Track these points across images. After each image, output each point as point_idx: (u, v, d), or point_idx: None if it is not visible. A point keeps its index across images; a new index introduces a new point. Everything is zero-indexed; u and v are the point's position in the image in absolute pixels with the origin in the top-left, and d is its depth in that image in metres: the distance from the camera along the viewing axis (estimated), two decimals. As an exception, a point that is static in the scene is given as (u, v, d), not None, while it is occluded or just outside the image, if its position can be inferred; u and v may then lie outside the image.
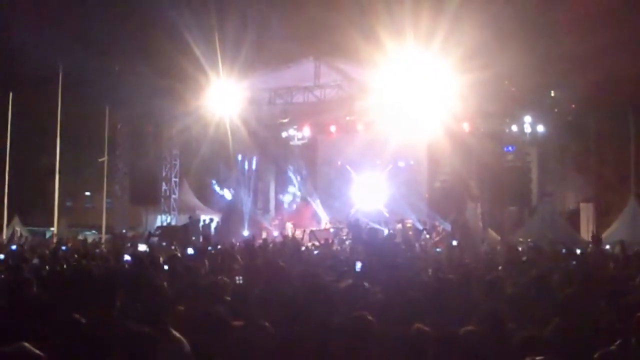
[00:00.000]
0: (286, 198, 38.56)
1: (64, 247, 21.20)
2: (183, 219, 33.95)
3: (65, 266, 12.48)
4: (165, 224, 33.82)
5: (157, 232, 30.58)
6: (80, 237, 30.80)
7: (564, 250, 17.93)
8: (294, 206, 38.00)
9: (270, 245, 22.52)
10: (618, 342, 5.55)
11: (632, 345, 5.13)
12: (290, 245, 22.57)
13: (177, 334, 6.00)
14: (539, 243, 22.12)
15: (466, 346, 5.39)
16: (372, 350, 5.21)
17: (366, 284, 8.14)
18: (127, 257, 12.68)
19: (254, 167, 37.33)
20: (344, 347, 5.21)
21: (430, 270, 12.14)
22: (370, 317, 5.41)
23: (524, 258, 15.87)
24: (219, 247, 20.19)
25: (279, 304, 6.83)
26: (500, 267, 13.17)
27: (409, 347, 5.34)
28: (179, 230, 30.38)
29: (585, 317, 6.62)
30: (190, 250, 16.07)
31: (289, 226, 33.33)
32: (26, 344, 4.08)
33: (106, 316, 6.19)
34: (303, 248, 22.15)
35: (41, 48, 28.70)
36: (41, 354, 4.09)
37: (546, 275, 9.72)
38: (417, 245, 25.05)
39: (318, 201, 35.13)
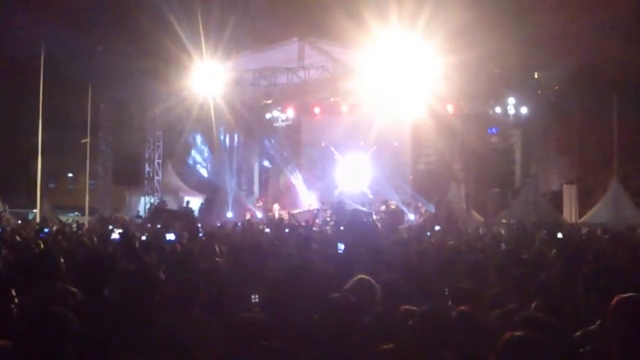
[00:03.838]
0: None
1: (46, 230, 21.01)
2: (168, 201, 33.84)
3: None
4: (149, 205, 33.71)
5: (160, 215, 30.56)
6: (64, 219, 30.64)
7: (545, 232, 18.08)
8: (270, 181, 38.21)
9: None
10: (598, 322, 5.59)
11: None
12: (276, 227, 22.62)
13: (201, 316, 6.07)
14: (522, 224, 22.27)
15: (453, 327, 5.40)
16: (355, 331, 5.21)
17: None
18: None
19: (234, 144, 37.16)
20: (328, 328, 5.20)
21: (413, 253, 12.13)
22: (352, 297, 5.40)
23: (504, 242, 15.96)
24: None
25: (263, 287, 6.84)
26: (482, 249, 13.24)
27: (398, 327, 5.35)
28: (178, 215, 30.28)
29: (567, 298, 6.66)
30: (171, 236, 15.92)
31: (276, 208, 33.33)
32: None
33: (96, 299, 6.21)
34: (287, 230, 22.17)
35: (23, 27, 28.41)
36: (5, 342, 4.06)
37: (529, 256, 9.76)
38: (401, 227, 25.13)
39: (302, 182, 35.13)
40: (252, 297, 7.02)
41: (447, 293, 7.18)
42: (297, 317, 5.74)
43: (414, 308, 5.55)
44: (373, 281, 6.48)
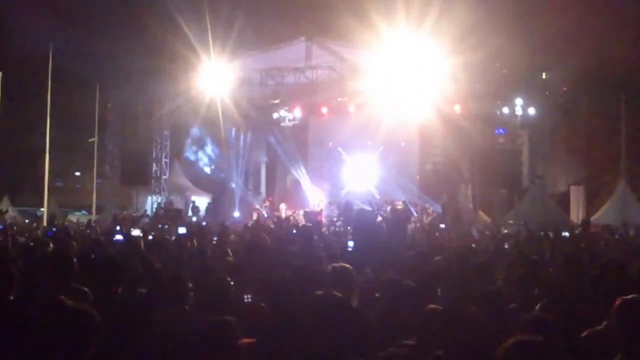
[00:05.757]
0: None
1: (55, 228, 21.01)
2: (175, 200, 33.95)
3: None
4: (156, 204, 33.81)
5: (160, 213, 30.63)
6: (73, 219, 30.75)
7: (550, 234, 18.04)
8: (277, 181, 38.16)
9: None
10: (605, 322, 5.58)
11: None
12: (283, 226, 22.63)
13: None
14: (529, 225, 22.21)
15: (466, 326, 5.39)
16: (345, 329, 5.18)
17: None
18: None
19: (241, 144, 37.13)
20: (312, 326, 5.17)
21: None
22: (336, 293, 5.37)
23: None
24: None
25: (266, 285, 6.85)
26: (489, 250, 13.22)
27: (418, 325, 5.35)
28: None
29: (574, 298, 6.65)
30: (182, 230, 15.98)
31: (283, 207, 33.31)
32: None
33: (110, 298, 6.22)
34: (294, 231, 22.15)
35: (31, 27, 28.51)
36: None
37: (536, 257, 9.73)
38: (409, 227, 25.07)
39: (309, 182, 35.09)
40: (245, 297, 7.04)
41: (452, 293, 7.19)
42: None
43: (439, 307, 5.52)
44: (350, 267, 6.49)
